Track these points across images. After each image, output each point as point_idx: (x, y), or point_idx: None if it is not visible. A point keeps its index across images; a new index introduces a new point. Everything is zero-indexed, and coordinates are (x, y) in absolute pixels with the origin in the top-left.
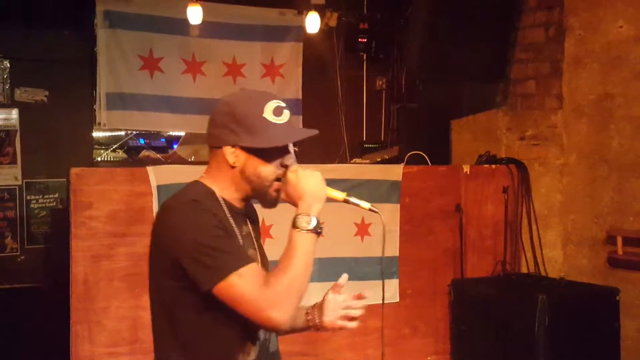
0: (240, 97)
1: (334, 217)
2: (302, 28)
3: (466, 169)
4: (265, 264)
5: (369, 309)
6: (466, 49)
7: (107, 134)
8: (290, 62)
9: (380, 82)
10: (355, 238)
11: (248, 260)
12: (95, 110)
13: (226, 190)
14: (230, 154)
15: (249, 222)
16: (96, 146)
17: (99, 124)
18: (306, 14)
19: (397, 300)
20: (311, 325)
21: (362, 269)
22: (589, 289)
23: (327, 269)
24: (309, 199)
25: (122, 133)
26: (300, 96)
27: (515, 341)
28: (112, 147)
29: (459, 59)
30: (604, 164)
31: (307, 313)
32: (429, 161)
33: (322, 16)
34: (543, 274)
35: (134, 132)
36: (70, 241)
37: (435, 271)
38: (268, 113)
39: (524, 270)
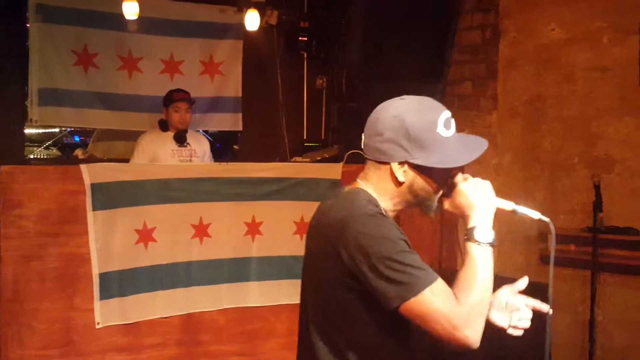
0: (410, 110)
1: (274, 216)
2: (242, 26)
3: None
4: None
5: None
6: (405, 49)
7: (41, 130)
8: (229, 60)
9: (321, 81)
10: (294, 236)
11: (437, 275)
12: (27, 106)
13: (388, 201)
14: (399, 169)
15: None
16: (29, 143)
17: (31, 120)
18: (246, 12)
19: None
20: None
21: (301, 268)
22: None
23: (266, 268)
24: (482, 210)
25: (56, 130)
26: (240, 94)
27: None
28: (45, 144)
29: (398, 59)
30: (536, 163)
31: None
32: None
33: (262, 14)
34: None
35: (69, 129)
36: None
37: None
38: (441, 127)
39: (459, 267)
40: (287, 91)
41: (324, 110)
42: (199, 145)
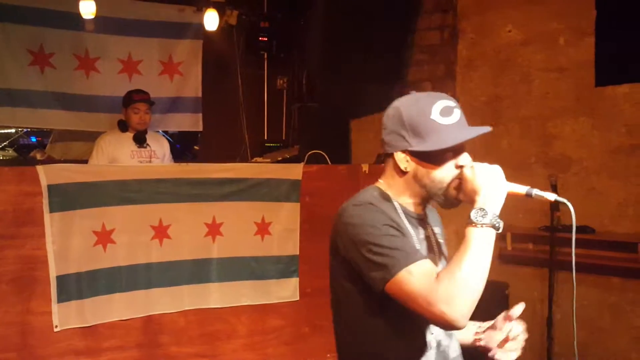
0: (408, 101)
1: (234, 216)
2: (201, 25)
3: (365, 168)
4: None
5: (268, 308)
6: (365, 50)
7: None
8: (189, 60)
9: (281, 82)
10: (255, 237)
11: (419, 257)
12: None
13: (401, 195)
14: (402, 159)
15: (429, 227)
16: None
17: None
18: (205, 11)
19: (297, 298)
20: (477, 346)
21: (262, 268)
22: None
23: (227, 269)
24: (485, 193)
25: (12, 131)
26: (200, 94)
27: None
28: (1, 145)
29: (359, 60)
30: (494, 163)
31: (476, 332)
32: (328, 160)
33: (221, 14)
34: None
35: (25, 130)
36: None
37: None
38: (436, 114)
39: None
40: (248, 91)
41: (284, 111)
42: (159, 146)
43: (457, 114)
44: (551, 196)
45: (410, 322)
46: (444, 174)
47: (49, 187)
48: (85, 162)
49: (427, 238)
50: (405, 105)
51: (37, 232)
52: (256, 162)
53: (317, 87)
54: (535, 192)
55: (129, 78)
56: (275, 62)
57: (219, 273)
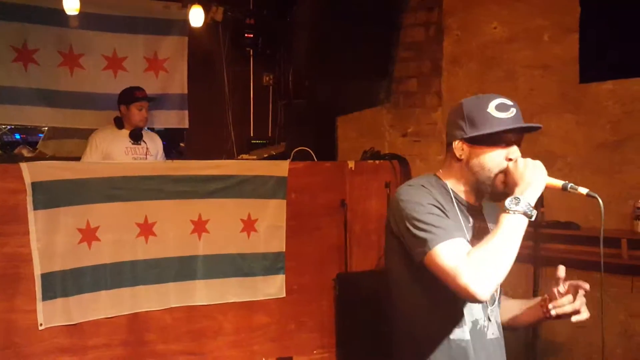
0: (471, 98)
1: (220, 213)
2: (186, 22)
3: (351, 164)
4: None
5: (255, 304)
6: (351, 47)
7: None
8: (174, 57)
9: (267, 78)
10: (241, 234)
11: (457, 235)
12: None
13: (456, 184)
14: (458, 147)
15: (481, 219)
16: None
17: None
18: (190, 8)
19: (284, 295)
20: (550, 317)
21: (248, 265)
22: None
23: (213, 266)
24: (523, 185)
25: None
26: (185, 91)
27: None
28: None
29: (344, 57)
30: None
31: (541, 305)
32: (314, 157)
33: (207, 10)
34: None
35: (9, 127)
36: None
37: (321, 266)
38: (492, 108)
39: None
40: (234, 88)
41: (270, 108)
42: (153, 144)
43: (513, 112)
44: (584, 190)
45: (446, 295)
46: (494, 162)
47: (33, 184)
48: (78, 159)
49: (476, 227)
50: (467, 101)
51: (21, 229)
52: (242, 159)
53: (303, 84)
54: (571, 185)
55: (114, 75)
56: (261, 59)
57: (205, 270)
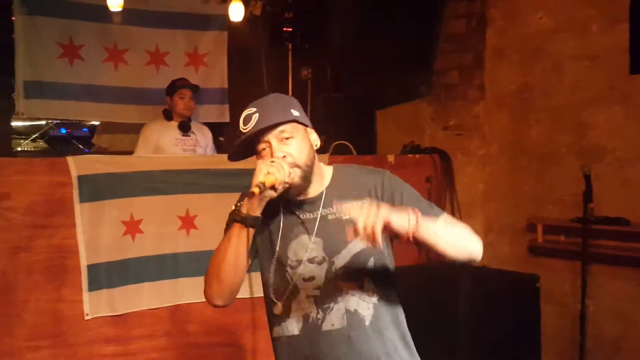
0: None
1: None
2: (226, 16)
3: (391, 158)
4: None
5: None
6: (391, 39)
7: (27, 123)
8: (214, 51)
9: (306, 72)
10: None
11: None
12: (13, 99)
13: None
14: None
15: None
16: (15, 136)
17: (18, 113)
18: (230, 3)
19: None
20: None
21: None
22: (511, 277)
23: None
24: None
25: (43, 122)
26: (225, 85)
27: (438, 329)
28: (32, 136)
29: (384, 49)
30: (524, 153)
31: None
32: (354, 151)
33: (246, 5)
34: None
35: (55, 122)
36: None
37: None
38: (240, 124)
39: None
40: (272, 82)
41: (309, 101)
42: (203, 136)
43: (254, 118)
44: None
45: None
46: (257, 171)
47: (79, 177)
48: (132, 153)
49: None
50: None
51: (68, 222)
52: None
53: (342, 78)
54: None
55: (157, 70)
56: (299, 53)
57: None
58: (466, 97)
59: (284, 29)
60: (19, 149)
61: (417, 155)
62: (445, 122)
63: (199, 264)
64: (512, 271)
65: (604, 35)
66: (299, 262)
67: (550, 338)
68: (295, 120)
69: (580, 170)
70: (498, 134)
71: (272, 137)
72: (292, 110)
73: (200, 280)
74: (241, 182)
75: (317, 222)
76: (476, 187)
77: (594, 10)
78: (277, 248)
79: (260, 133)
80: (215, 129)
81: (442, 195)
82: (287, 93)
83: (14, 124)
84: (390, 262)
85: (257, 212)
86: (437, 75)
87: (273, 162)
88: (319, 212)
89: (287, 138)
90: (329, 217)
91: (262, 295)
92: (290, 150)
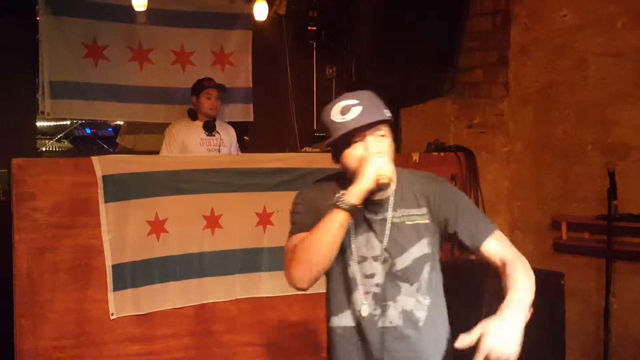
0: (325, 107)
1: (285, 206)
2: (251, 16)
3: (415, 156)
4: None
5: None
6: (415, 38)
7: (52, 123)
8: (239, 50)
9: (330, 71)
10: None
11: (306, 230)
12: (38, 99)
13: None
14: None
15: (379, 212)
16: (40, 136)
17: (43, 113)
18: (255, 2)
19: None
20: None
21: None
22: (535, 274)
23: (277, 258)
24: (357, 180)
25: (67, 122)
26: (250, 85)
27: (462, 327)
28: (57, 136)
29: (408, 47)
30: (548, 151)
31: None
32: None
33: (271, 4)
34: None
35: (80, 122)
36: (12, 233)
37: None
38: (335, 114)
39: (472, 256)
40: (297, 81)
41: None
42: (227, 135)
43: (355, 110)
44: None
45: (331, 285)
46: (352, 160)
47: (104, 177)
48: (157, 153)
49: (374, 221)
50: (322, 110)
51: (93, 221)
52: (306, 151)
53: (366, 76)
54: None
55: (183, 69)
56: (324, 51)
57: (270, 262)
58: (490, 94)
59: (309, 27)
60: (43, 149)
61: (441, 154)
62: (469, 120)
63: (224, 263)
64: (537, 269)
65: (628, 32)
66: (363, 258)
67: (575, 335)
68: (389, 121)
69: (605, 167)
70: (522, 132)
71: (369, 133)
72: (385, 111)
73: (225, 280)
74: (265, 182)
75: (384, 224)
76: (501, 185)
77: (618, 6)
78: (343, 243)
79: (367, 127)
80: (240, 128)
81: (467, 193)
82: (311, 92)
83: (39, 124)
84: (440, 268)
85: (361, 202)
86: (462, 73)
87: (382, 158)
88: (387, 215)
89: (382, 136)
90: (395, 220)
91: (287, 294)
92: (384, 149)
